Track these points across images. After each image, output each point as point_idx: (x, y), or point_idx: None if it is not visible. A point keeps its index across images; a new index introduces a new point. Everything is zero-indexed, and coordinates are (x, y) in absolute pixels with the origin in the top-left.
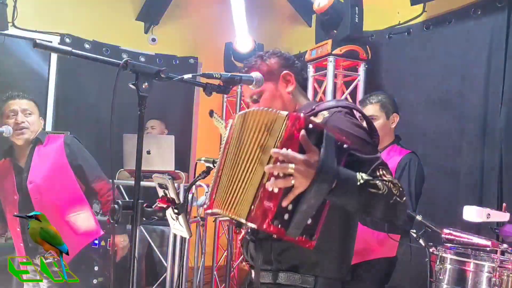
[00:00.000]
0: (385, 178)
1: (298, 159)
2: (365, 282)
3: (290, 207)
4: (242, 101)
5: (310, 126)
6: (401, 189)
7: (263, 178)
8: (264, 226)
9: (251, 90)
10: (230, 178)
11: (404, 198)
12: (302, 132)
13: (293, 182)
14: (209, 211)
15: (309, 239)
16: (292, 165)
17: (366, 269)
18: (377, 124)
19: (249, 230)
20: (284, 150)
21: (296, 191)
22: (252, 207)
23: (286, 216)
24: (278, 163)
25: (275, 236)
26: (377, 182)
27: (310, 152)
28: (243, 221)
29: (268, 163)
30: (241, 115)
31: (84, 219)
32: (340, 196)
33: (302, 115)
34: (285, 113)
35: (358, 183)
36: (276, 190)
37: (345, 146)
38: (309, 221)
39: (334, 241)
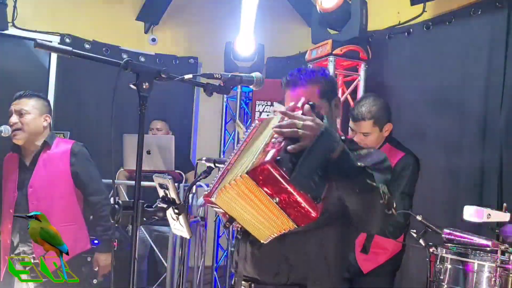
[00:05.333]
0: (384, 191)
1: (305, 117)
2: (380, 283)
3: (294, 159)
4: (242, 101)
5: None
6: (392, 203)
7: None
8: (268, 164)
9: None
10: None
11: (390, 212)
12: (307, 106)
13: (300, 133)
14: (211, 198)
15: (314, 200)
16: (300, 122)
17: (379, 273)
18: (370, 139)
19: (239, 229)
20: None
21: (303, 143)
22: (254, 160)
23: (290, 165)
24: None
25: (279, 179)
26: (374, 173)
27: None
28: (241, 174)
29: None
30: (266, 120)
31: (73, 231)
32: (339, 166)
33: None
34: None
35: (357, 165)
36: (280, 140)
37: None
38: (313, 184)
39: (327, 256)
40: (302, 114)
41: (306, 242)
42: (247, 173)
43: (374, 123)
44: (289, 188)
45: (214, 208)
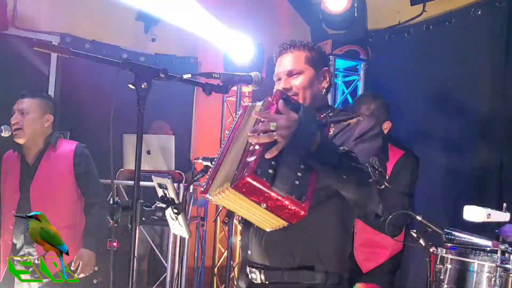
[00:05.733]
0: (374, 166)
1: (279, 116)
2: (380, 282)
3: (274, 163)
4: (242, 101)
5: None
6: (384, 176)
7: (246, 146)
8: (247, 178)
9: (291, 65)
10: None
11: (382, 187)
12: (280, 101)
13: (275, 136)
14: (207, 195)
15: (299, 200)
16: (274, 123)
17: (379, 273)
18: None
19: (240, 218)
20: (265, 112)
21: (280, 145)
22: (236, 172)
23: (270, 171)
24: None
25: (262, 189)
26: (363, 144)
27: (289, 114)
28: (226, 186)
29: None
30: (250, 107)
31: (75, 232)
32: (321, 157)
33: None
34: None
35: (339, 151)
36: (257, 147)
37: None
38: (297, 182)
39: (331, 234)
40: (277, 110)
41: (309, 224)
42: (231, 186)
43: None
44: (273, 195)
45: (213, 202)
